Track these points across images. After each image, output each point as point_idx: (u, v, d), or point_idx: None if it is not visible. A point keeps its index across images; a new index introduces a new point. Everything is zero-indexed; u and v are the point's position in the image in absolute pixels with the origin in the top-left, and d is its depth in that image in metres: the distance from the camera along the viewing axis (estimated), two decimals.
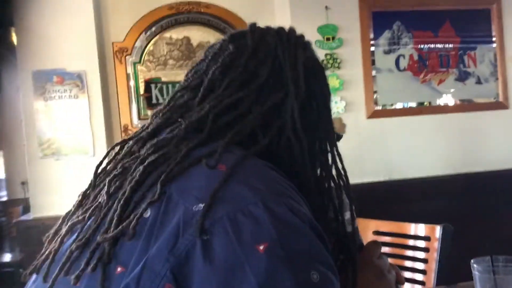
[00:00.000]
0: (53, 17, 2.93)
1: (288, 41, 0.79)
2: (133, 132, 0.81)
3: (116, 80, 3.21)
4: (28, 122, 2.92)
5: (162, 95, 3.29)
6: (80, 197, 0.77)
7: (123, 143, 0.80)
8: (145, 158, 0.69)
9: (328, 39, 3.09)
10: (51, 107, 2.93)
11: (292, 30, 0.83)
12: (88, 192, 0.77)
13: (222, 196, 0.59)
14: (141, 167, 0.67)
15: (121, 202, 0.64)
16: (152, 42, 3.26)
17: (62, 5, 2.95)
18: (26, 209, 4.31)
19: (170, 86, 3.30)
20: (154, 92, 3.29)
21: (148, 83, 3.27)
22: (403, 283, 0.83)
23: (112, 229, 0.62)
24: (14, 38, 3.11)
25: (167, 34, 3.29)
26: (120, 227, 0.61)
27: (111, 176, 0.71)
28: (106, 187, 0.69)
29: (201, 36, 3.32)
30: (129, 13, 3.22)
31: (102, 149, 2.97)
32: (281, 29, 0.82)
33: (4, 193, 4.73)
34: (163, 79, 3.29)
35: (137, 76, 3.25)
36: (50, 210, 2.83)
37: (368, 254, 0.81)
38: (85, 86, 2.96)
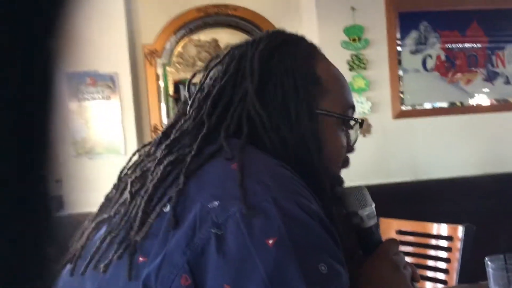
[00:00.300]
0: (86, 20, 3.04)
1: (255, 41, 0.86)
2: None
3: (146, 82, 3.30)
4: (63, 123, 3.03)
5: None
6: (104, 199, 0.83)
7: (143, 147, 0.87)
8: (163, 158, 0.75)
9: (354, 40, 3.11)
10: (85, 108, 3.04)
11: (274, 32, 0.89)
12: (111, 194, 0.83)
13: (235, 193, 0.63)
14: (161, 167, 0.72)
15: (145, 198, 0.70)
16: (181, 44, 3.35)
17: (94, 8, 3.06)
18: (60, 206, 4.45)
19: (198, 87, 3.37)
20: (183, 93, 3.37)
21: (177, 84, 3.36)
22: (418, 281, 0.86)
23: (137, 223, 0.68)
24: None
25: (195, 36, 3.37)
26: (148, 222, 0.67)
27: (133, 177, 0.77)
28: (129, 187, 0.75)
29: (229, 38, 3.39)
30: (158, 16, 3.31)
31: (133, 148, 3.06)
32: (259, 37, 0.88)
33: None
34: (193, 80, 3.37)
35: (166, 78, 3.34)
36: (84, 207, 2.93)
37: (385, 249, 0.84)
38: (117, 88, 3.06)
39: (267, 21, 3.39)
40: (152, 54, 3.31)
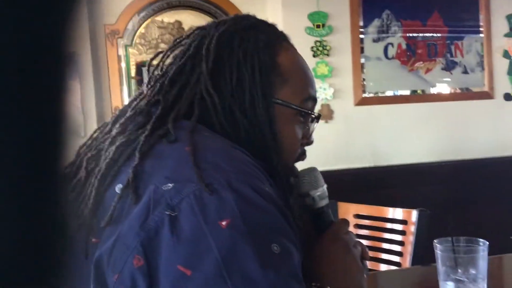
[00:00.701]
0: None
1: (219, 24, 0.86)
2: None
3: (107, 62, 3.24)
4: None
5: None
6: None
7: (103, 126, 0.86)
8: (116, 137, 0.75)
9: (318, 26, 3.12)
10: None
11: (234, 17, 0.89)
12: (66, 171, 0.82)
13: (189, 175, 0.64)
14: (113, 147, 0.72)
15: (98, 177, 0.70)
16: (144, 25, 3.29)
17: None
18: None
19: None
20: (145, 75, 3.31)
21: (139, 66, 3.31)
22: (367, 259, 0.89)
23: (91, 203, 0.67)
24: None
25: (159, 18, 3.31)
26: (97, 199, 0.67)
27: (88, 155, 0.77)
28: (84, 164, 0.74)
29: (193, 20, 3.35)
30: None
31: (92, 130, 3.01)
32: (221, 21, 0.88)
33: None
34: (154, 62, 3.32)
35: (128, 59, 3.28)
36: None
37: (335, 229, 0.87)
38: (76, 68, 2.98)
39: (231, 4, 3.36)
40: (114, 34, 3.24)
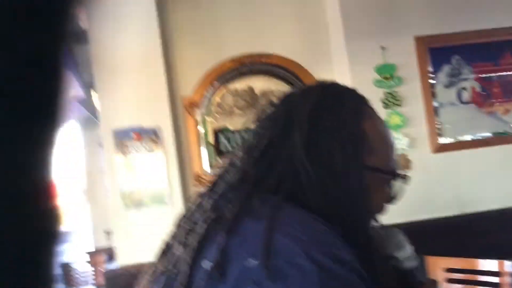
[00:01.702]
0: (128, 79, 3.22)
1: (306, 93, 0.89)
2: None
3: (187, 132, 3.43)
4: (112, 177, 3.17)
5: (229, 143, 3.47)
6: (160, 251, 0.89)
7: (196, 197, 0.92)
8: (207, 213, 0.80)
9: (386, 78, 3.16)
10: (130, 161, 3.18)
11: (322, 84, 0.92)
12: (167, 245, 0.89)
13: (270, 250, 0.67)
14: (205, 223, 0.77)
15: (191, 254, 0.75)
16: (218, 94, 3.48)
17: (135, 67, 3.24)
18: (110, 258, 4.58)
19: (237, 134, 3.48)
20: (223, 141, 3.48)
21: (216, 133, 3.47)
22: None
23: (182, 279, 0.73)
24: (95, 100, 3.43)
25: (231, 86, 3.49)
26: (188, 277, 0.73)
27: (183, 230, 0.83)
28: (179, 239, 0.80)
29: (264, 85, 3.50)
30: (195, 68, 3.46)
31: (177, 198, 3.17)
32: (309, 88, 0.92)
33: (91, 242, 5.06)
34: (230, 128, 3.48)
35: (206, 127, 3.47)
36: (135, 258, 3.04)
37: None
38: (160, 140, 3.20)
39: (300, 66, 3.49)
40: (192, 105, 3.45)
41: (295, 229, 0.71)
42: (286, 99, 0.90)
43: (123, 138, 3.17)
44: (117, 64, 3.22)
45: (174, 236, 0.86)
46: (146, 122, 3.21)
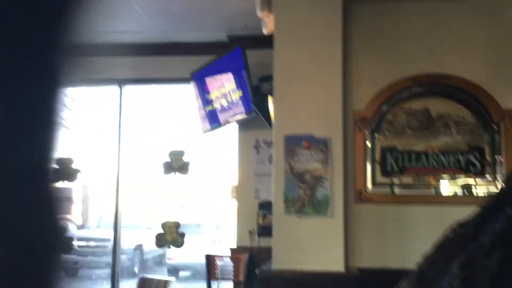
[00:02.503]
0: (306, 88, 3.26)
1: None
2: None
3: (354, 147, 3.39)
4: (277, 182, 3.23)
5: (396, 163, 3.35)
6: (413, 276, 0.84)
7: (460, 226, 0.86)
8: (491, 249, 0.73)
9: None
10: (296, 168, 3.21)
11: None
12: (428, 272, 0.84)
13: None
14: (493, 261, 0.71)
15: None
16: (391, 111, 3.39)
17: (313, 76, 3.27)
18: (252, 257, 4.69)
19: (405, 155, 3.35)
20: (389, 159, 3.37)
21: (384, 151, 3.38)
22: None
23: None
24: (270, 105, 3.53)
25: (406, 105, 3.38)
26: None
27: (460, 259, 0.77)
28: (455, 270, 0.75)
29: (441, 107, 3.33)
30: (371, 84, 3.41)
31: (339, 211, 3.13)
32: None
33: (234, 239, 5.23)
34: (399, 148, 3.37)
35: (374, 144, 3.39)
36: (291, 263, 3.06)
37: None
38: (329, 152, 3.19)
39: (485, 92, 3.27)
40: (362, 120, 3.40)
41: None
42: None
43: (294, 144, 3.22)
44: (297, 72, 3.29)
45: (434, 264, 0.81)
46: (318, 132, 3.22)
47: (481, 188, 3.27)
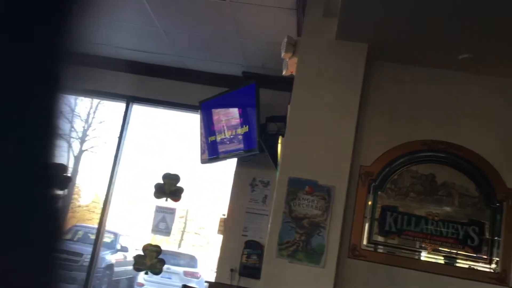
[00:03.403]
0: (317, 135, 3.27)
1: None
2: None
3: (355, 200, 3.36)
4: (274, 222, 3.18)
5: (395, 224, 3.33)
6: None
7: None
8: None
9: None
10: (296, 212, 3.17)
11: None
12: None
13: None
14: None
15: None
16: (397, 172, 3.38)
17: (327, 125, 3.28)
18: None
19: (405, 217, 3.33)
20: (389, 219, 3.34)
21: (384, 209, 3.36)
22: None
23: None
24: (279, 145, 3.53)
25: (413, 167, 3.38)
26: None
27: None
28: None
29: (447, 176, 3.34)
30: (382, 141, 3.42)
31: (332, 263, 3.08)
32: None
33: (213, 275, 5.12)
34: (400, 209, 3.35)
35: (375, 201, 3.37)
36: None
37: None
38: (331, 200, 3.16)
39: (491, 167, 3.29)
40: (367, 176, 3.39)
41: None
42: None
43: (297, 187, 3.19)
44: (311, 117, 3.30)
45: None
46: (322, 179, 3.21)
47: (476, 266, 3.23)
